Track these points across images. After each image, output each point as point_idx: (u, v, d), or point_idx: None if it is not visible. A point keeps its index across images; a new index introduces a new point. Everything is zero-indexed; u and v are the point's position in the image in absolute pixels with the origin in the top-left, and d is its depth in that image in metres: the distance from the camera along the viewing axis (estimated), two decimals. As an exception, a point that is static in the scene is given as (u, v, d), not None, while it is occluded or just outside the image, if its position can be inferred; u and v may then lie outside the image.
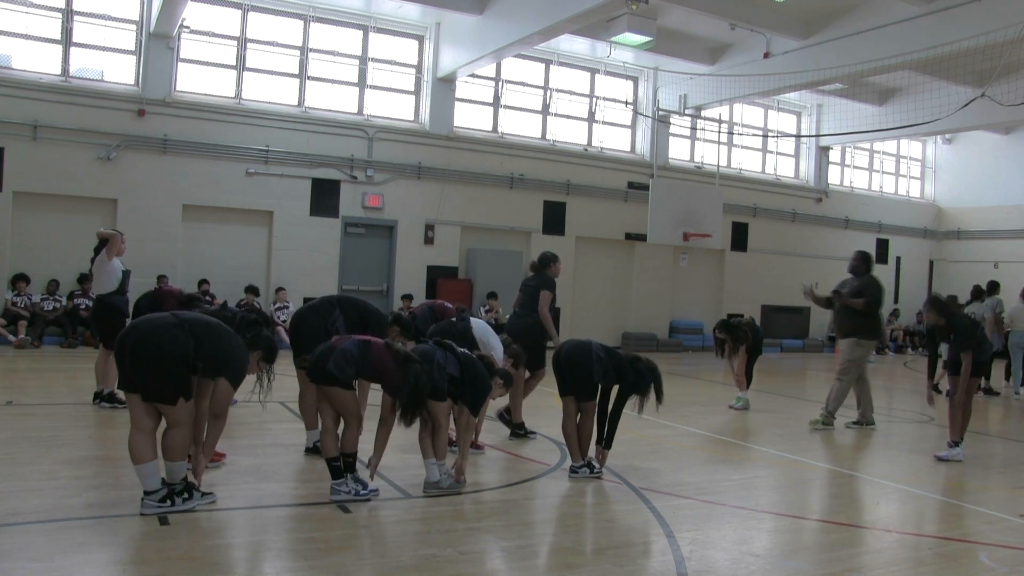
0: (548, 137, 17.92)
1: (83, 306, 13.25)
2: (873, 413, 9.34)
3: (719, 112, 19.76)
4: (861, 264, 9.38)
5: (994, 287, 13.59)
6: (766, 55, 16.10)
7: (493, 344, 6.69)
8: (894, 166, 24.21)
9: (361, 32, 15.95)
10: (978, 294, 13.84)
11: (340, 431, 5.28)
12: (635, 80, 18.86)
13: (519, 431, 7.61)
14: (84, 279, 13.29)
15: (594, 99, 18.46)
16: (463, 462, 5.69)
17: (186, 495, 4.81)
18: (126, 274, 8.50)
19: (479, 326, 6.80)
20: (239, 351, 5.00)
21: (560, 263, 8.24)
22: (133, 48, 14.19)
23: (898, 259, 23.44)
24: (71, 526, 4.46)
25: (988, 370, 13.06)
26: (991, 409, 11.95)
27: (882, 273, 22.57)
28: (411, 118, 16.50)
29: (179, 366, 4.64)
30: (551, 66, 17.82)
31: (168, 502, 4.71)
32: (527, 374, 7.75)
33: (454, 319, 6.77)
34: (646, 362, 6.26)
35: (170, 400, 4.65)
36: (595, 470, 6.21)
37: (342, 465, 5.20)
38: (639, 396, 6.20)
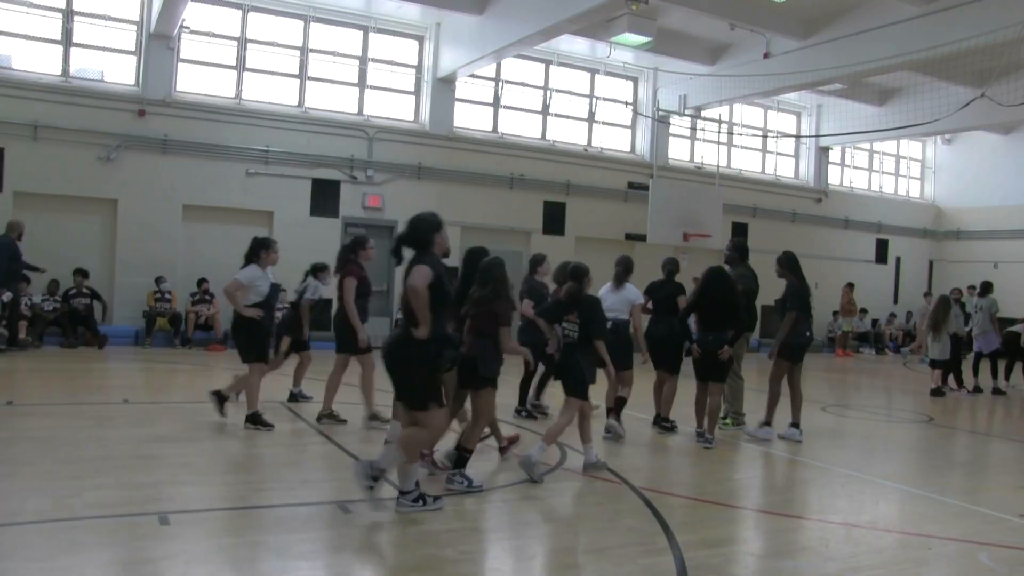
0: (548, 137, 17.92)
1: (81, 305, 13.24)
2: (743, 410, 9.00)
3: (719, 112, 19.76)
4: (735, 253, 9.04)
5: (987, 287, 13.56)
6: (766, 55, 16.10)
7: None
8: (894, 166, 24.21)
9: (361, 32, 15.95)
10: (985, 289, 13.63)
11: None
12: (635, 80, 18.87)
13: (665, 424, 8.27)
14: (78, 273, 13.26)
15: (594, 99, 18.46)
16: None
17: (421, 502, 4.93)
18: (275, 287, 7.73)
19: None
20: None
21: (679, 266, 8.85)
22: (133, 48, 14.20)
23: (898, 259, 23.45)
24: (71, 526, 4.45)
25: (958, 367, 13.16)
26: (992, 409, 11.95)
27: (882, 273, 22.96)
28: (411, 118, 16.51)
29: (423, 373, 4.90)
30: (551, 66, 17.82)
31: (420, 503, 4.88)
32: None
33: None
34: None
35: (421, 406, 4.94)
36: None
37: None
38: None
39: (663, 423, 8.27)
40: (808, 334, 8.19)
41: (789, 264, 8.31)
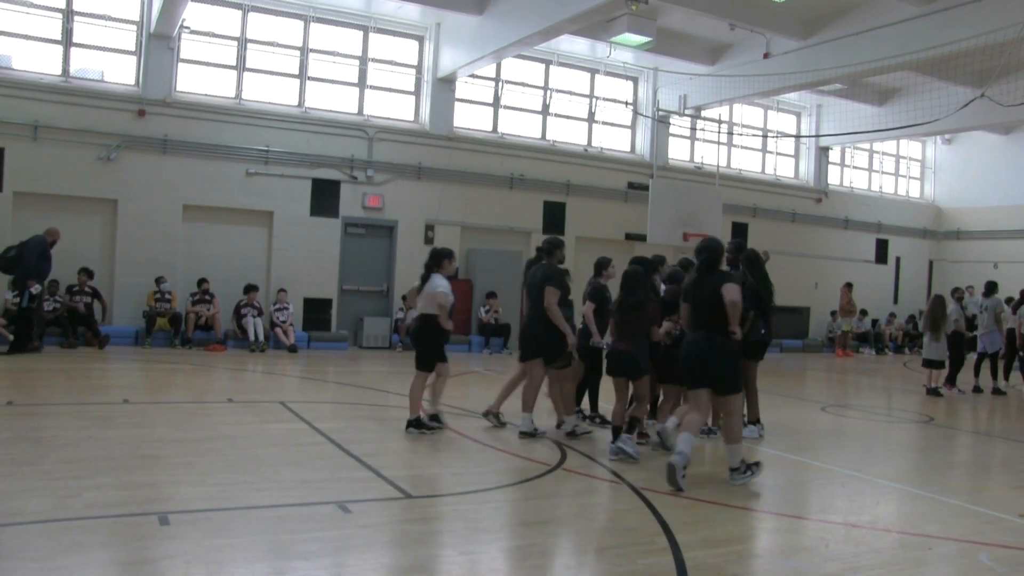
0: (548, 137, 17.92)
1: (83, 303, 13.23)
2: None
3: (719, 112, 19.76)
4: (737, 256, 9.12)
5: (992, 287, 13.57)
6: (766, 55, 16.10)
7: None
8: (894, 166, 24.21)
9: (361, 32, 15.95)
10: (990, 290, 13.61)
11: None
12: (635, 80, 18.86)
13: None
14: (83, 272, 13.27)
15: (594, 99, 18.46)
16: None
17: (749, 472, 6.15)
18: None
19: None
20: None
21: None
22: (133, 48, 14.19)
23: (898, 259, 23.45)
24: (71, 526, 4.45)
25: (958, 366, 13.15)
26: (992, 409, 11.95)
27: (882, 273, 22.95)
28: (411, 118, 16.50)
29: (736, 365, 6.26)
30: (551, 66, 17.82)
31: (749, 473, 6.15)
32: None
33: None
34: None
35: (734, 390, 6.21)
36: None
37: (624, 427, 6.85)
38: None
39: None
40: (763, 331, 8.18)
41: (749, 263, 8.22)
